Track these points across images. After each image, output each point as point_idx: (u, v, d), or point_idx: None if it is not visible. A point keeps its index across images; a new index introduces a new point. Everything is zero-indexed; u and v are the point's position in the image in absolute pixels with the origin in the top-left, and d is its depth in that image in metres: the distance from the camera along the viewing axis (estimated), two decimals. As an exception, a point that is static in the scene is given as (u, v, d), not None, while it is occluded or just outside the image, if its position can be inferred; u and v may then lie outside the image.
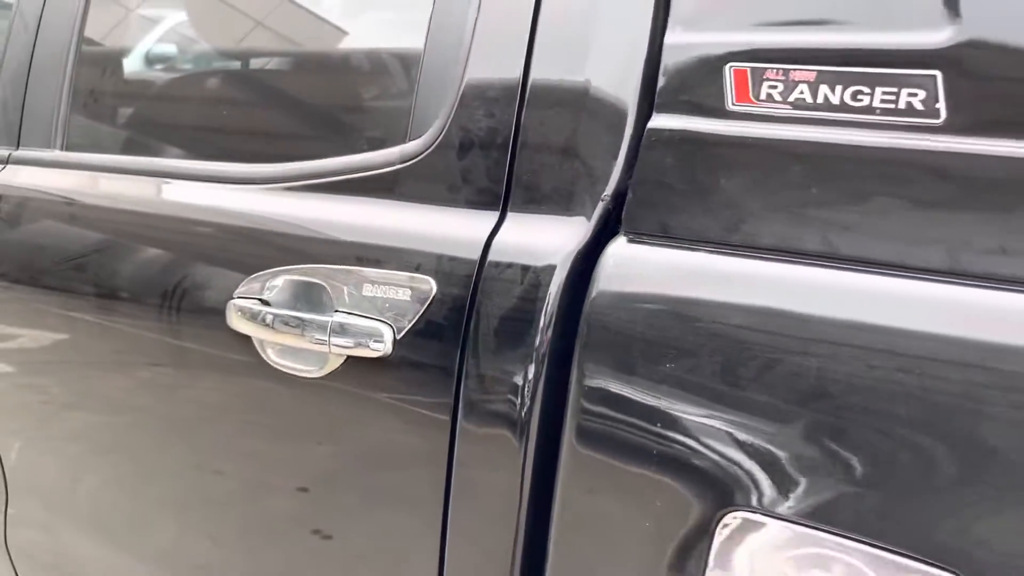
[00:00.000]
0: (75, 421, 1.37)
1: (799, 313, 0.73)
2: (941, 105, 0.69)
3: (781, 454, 0.72)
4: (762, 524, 0.73)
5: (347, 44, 1.22)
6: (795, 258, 0.75)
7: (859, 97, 0.73)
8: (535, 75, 0.91)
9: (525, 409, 0.86)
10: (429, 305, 0.91)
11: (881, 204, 0.72)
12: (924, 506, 0.66)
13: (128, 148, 1.42)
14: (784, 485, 0.72)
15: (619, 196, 0.85)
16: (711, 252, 0.79)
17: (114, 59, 1.47)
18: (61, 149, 1.41)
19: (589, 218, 0.86)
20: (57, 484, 1.43)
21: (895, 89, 0.71)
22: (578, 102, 0.88)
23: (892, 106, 0.71)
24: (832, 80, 0.74)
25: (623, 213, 0.84)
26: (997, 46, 0.68)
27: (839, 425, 0.70)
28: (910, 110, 0.70)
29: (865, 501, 0.69)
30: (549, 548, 0.87)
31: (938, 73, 0.69)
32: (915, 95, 0.70)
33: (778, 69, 0.76)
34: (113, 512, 1.35)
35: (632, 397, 0.79)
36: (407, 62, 1.06)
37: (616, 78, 0.86)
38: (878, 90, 0.72)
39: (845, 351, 0.70)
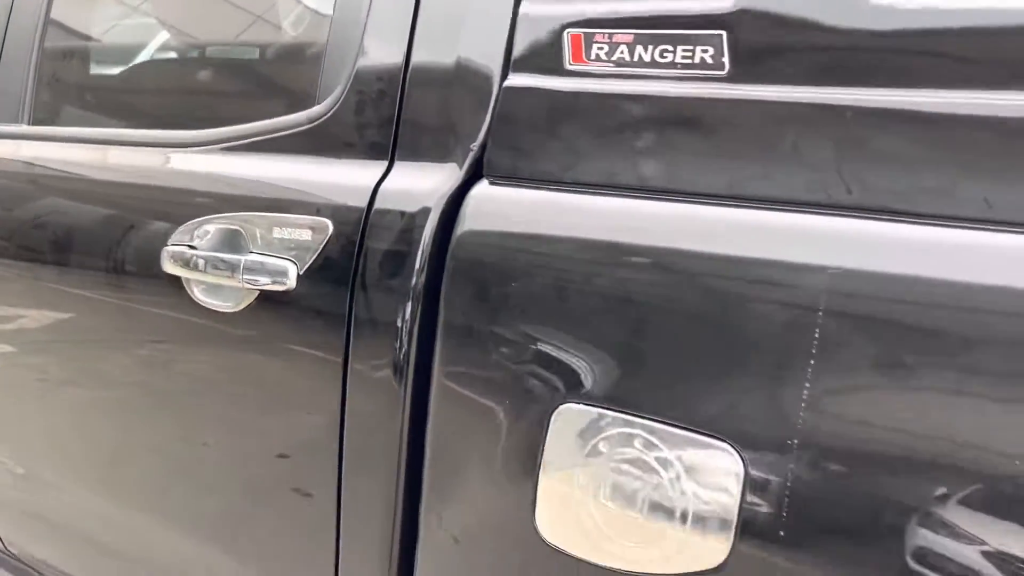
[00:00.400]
0: (33, 361, 1.51)
1: (611, 240, 0.86)
2: (726, 59, 0.83)
3: (600, 357, 0.86)
4: (585, 413, 0.86)
5: (266, 29, 1.37)
6: (616, 192, 0.89)
7: (665, 54, 0.86)
8: (417, 49, 1.05)
9: (404, 344, 0.99)
10: (326, 244, 1.05)
11: (681, 142, 0.86)
12: (701, 390, 0.80)
13: (85, 121, 1.56)
14: (602, 381, 0.85)
15: (485, 146, 0.99)
16: (552, 190, 0.92)
17: (75, 43, 1.62)
18: (28, 124, 1.55)
19: (460, 166, 1.00)
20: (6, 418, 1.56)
21: (691, 47, 0.85)
22: (452, 70, 1.02)
23: (689, 61, 0.85)
24: (645, 41, 0.87)
25: (484, 159, 0.98)
26: (768, 10, 0.82)
27: (642, 329, 0.83)
28: (703, 64, 0.84)
29: (660, 388, 0.82)
30: (425, 465, 1.00)
31: (723, 32, 0.83)
32: (706, 51, 0.84)
33: (604, 33, 0.90)
34: (59, 439, 1.48)
35: (487, 321, 0.93)
36: (316, 42, 1.21)
37: (484, 48, 1.00)
38: (679, 48, 0.86)
39: (646, 271, 0.84)
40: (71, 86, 1.62)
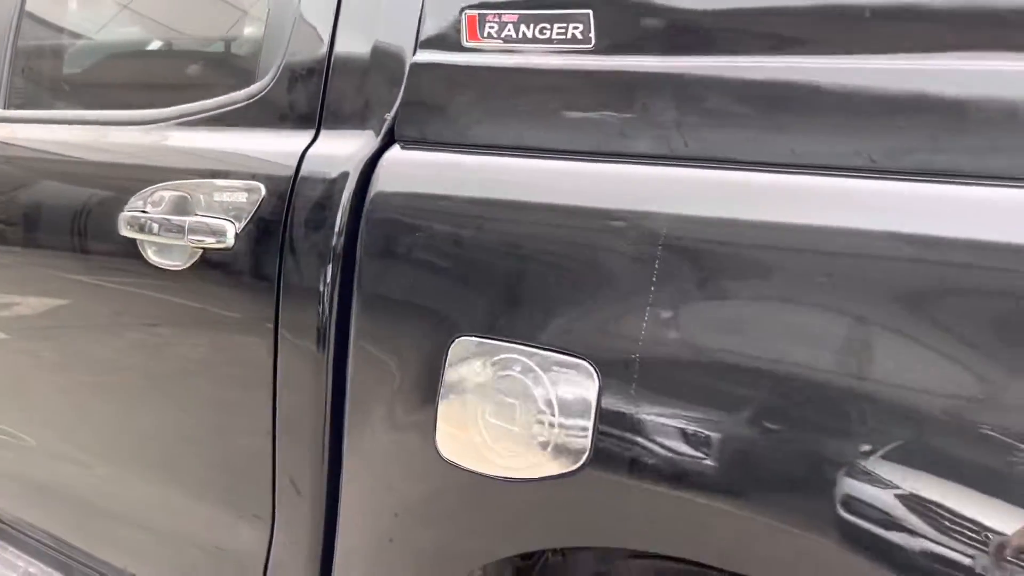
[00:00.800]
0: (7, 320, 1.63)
1: (494, 194, 0.99)
2: (592, 34, 0.96)
3: (489, 295, 0.99)
4: (475, 343, 0.98)
5: (209, 22, 1.51)
6: (501, 152, 1.01)
7: (544, 31, 0.99)
8: (340, 31, 1.19)
9: (326, 304, 1.11)
10: (260, 205, 1.18)
11: (558, 106, 0.99)
12: (567, 319, 0.92)
13: (54, 105, 1.69)
14: (490, 316, 0.98)
15: (397, 116, 1.12)
16: (452, 151, 1.05)
17: (46, 33, 1.75)
18: (4, 108, 1.68)
19: (377, 133, 1.13)
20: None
21: (565, 24, 0.98)
22: (371, 49, 1.15)
23: (564, 36, 0.98)
24: (528, 20, 1.00)
25: (395, 127, 1.11)
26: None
27: (524, 268, 0.96)
28: (574, 39, 0.97)
29: (535, 319, 0.94)
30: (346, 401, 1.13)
31: (590, 11, 0.96)
32: (577, 28, 0.97)
33: (495, 14, 1.03)
34: (30, 397, 1.61)
35: (395, 269, 1.05)
36: (256, 28, 1.34)
37: (398, 30, 1.13)
38: (555, 25, 0.98)
39: (524, 220, 0.97)
40: (43, 74, 1.75)
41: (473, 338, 0.99)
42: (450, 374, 1.01)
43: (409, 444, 1.06)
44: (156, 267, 1.28)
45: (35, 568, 1.84)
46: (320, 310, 1.11)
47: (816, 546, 0.79)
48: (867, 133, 0.80)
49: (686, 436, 0.84)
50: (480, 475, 0.98)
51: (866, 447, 0.76)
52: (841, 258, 0.79)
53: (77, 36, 1.71)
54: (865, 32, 0.82)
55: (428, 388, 1.02)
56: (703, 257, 0.86)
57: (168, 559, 1.49)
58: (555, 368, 0.92)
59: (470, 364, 0.99)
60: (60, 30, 1.75)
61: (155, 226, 1.26)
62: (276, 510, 1.27)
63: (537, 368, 0.93)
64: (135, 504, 1.50)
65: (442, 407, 1.01)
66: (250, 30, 1.38)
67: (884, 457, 0.76)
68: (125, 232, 1.30)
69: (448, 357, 1.01)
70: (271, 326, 1.17)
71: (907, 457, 0.75)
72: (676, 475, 0.85)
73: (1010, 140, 0.74)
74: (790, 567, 0.83)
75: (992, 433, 0.71)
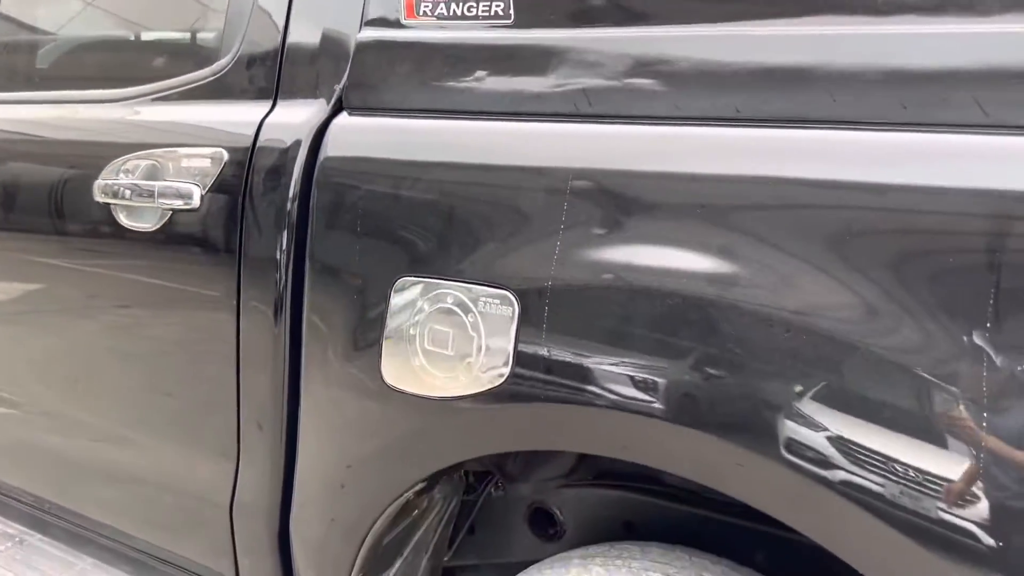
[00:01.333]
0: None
1: (430, 154, 1.14)
2: (512, 10, 1.10)
3: (425, 239, 1.13)
4: (415, 281, 1.12)
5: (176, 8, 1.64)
6: (436, 115, 1.16)
7: (471, 8, 1.14)
8: (295, 15, 1.32)
9: (283, 256, 1.24)
10: (223, 168, 1.31)
11: (481, 74, 1.13)
12: (492, 256, 1.07)
13: (28, 86, 1.81)
14: (426, 258, 1.12)
15: (346, 86, 1.25)
16: (393, 116, 1.19)
17: (13, 20, 1.87)
18: (-19, 91, 1.79)
19: (329, 102, 1.26)
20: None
21: (489, 1, 1.12)
22: (322, 27, 1.29)
23: (488, 12, 1.12)
24: (457, -1, 1.15)
25: (344, 96, 1.24)
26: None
27: (451, 215, 1.10)
28: (496, 15, 1.12)
29: (464, 258, 1.09)
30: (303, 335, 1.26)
31: (508, -11, 1.10)
32: (499, 5, 1.11)
33: (428, -7, 1.17)
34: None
35: (344, 221, 1.19)
36: (219, 9, 1.47)
37: (346, 10, 1.27)
38: (480, 3, 1.13)
39: (456, 174, 1.11)
40: (19, 58, 1.87)
41: (413, 278, 1.13)
42: (394, 310, 1.14)
43: (359, 375, 1.20)
44: (128, 229, 1.40)
45: (12, 529, 1.95)
46: (278, 261, 1.25)
47: (705, 444, 0.93)
48: (731, 89, 0.95)
49: (591, 351, 0.99)
50: (421, 396, 1.12)
51: (738, 353, 0.91)
52: (716, 194, 0.94)
53: (48, 32, 1.84)
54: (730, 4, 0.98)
55: (375, 325, 1.16)
56: (605, 200, 1.00)
57: (140, 507, 1.61)
58: (483, 298, 1.06)
59: (411, 300, 1.13)
60: (33, 27, 1.87)
61: (127, 191, 1.39)
62: (241, 449, 1.40)
63: (466, 298, 1.08)
64: (108, 457, 1.62)
65: (387, 340, 1.15)
66: (213, 12, 1.51)
67: (761, 365, 0.91)
68: (99, 198, 1.43)
69: (392, 296, 1.14)
70: (235, 277, 1.30)
71: (783, 362, 0.90)
72: (583, 383, 1.00)
73: (841, 93, 0.89)
74: (673, 456, 0.98)
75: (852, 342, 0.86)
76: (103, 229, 1.44)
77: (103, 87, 1.57)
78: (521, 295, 1.03)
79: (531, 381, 1.02)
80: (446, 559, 1.43)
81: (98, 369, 1.57)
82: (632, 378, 0.96)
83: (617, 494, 1.32)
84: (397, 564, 1.35)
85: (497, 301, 1.05)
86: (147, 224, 1.38)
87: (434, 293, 1.10)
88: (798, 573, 1.13)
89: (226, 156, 1.30)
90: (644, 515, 1.29)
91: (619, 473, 1.33)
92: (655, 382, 0.94)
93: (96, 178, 1.44)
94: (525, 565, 1.25)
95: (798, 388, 0.87)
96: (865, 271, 0.85)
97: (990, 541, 0.79)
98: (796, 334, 0.87)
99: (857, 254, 0.85)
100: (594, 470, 1.35)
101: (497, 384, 1.05)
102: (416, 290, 1.12)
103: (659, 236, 0.96)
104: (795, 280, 0.88)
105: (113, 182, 1.41)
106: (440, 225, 1.11)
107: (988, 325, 0.78)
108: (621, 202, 0.99)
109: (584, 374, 0.99)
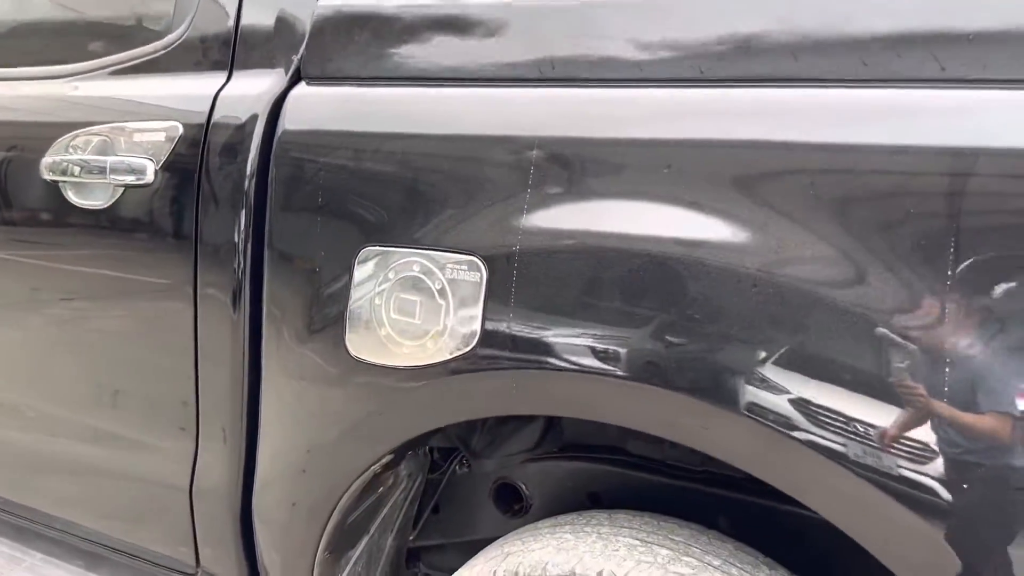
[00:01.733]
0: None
1: (390, 121, 1.13)
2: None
3: (388, 207, 1.11)
4: (379, 251, 1.11)
5: None
6: (394, 83, 1.15)
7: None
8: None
9: (241, 229, 1.22)
10: (177, 142, 1.28)
11: (441, 40, 1.13)
12: (459, 223, 1.06)
13: None
14: (391, 226, 1.11)
15: (303, 56, 1.24)
16: (351, 86, 1.18)
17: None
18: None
19: (286, 72, 1.24)
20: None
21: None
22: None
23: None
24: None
25: (302, 65, 1.23)
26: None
27: (415, 183, 1.09)
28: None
29: (430, 225, 1.08)
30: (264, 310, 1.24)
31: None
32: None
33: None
34: None
35: (303, 192, 1.17)
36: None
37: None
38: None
39: (417, 142, 1.11)
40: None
41: (377, 247, 1.11)
42: (358, 282, 1.13)
43: (322, 350, 1.18)
44: (79, 208, 1.36)
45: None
46: (236, 235, 1.22)
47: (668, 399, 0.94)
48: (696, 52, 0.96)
49: (562, 313, 0.99)
50: (388, 367, 1.11)
51: (706, 312, 0.92)
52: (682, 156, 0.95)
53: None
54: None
55: (338, 298, 1.15)
56: (571, 163, 1.00)
57: (95, 497, 1.57)
58: (450, 265, 1.05)
59: (375, 271, 1.12)
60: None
61: (77, 168, 1.34)
62: (200, 435, 1.37)
63: (434, 267, 1.07)
64: (58, 447, 1.57)
65: (351, 313, 1.13)
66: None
67: (727, 323, 0.92)
68: (47, 176, 1.38)
69: (355, 268, 1.13)
70: (191, 251, 1.27)
71: (749, 320, 0.91)
72: (554, 346, 1.00)
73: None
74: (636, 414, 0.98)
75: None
76: (51, 209, 1.40)
77: (51, 63, 1.52)
78: (489, 260, 1.03)
79: (501, 345, 1.02)
80: (411, 539, 1.42)
81: (49, 354, 1.52)
82: (604, 339, 0.96)
83: (582, 465, 1.32)
84: (362, 543, 1.33)
85: (464, 267, 1.04)
86: (98, 202, 1.34)
87: (399, 262, 1.09)
88: (758, 536, 1.15)
89: (181, 130, 1.27)
90: (609, 485, 1.30)
91: (584, 445, 1.34)
92: (627, 342, 0.95)
93: (43, 156, 1.39)
94: (491, 543, 1.24)
95: (763, 347, 0.88)
96: (824, 228, 0.86)
97: (942, 491, 0.82)
98: (762, 292, 0.88)
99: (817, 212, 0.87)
100: (559, 442, 1.35)
101: (467, 349, 1.04)
102: (380, 260, 1.11)
103: (626, 196, 0.97)
104: (764, 239, 0.89)
105: (62, 159, 1.36)
106: (403, 193, 1.10)
107: (947, 283, 0.80)
108: (587, 165, 0.99)
109: (556, 337, 0.99)
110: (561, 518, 1.20)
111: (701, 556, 1.08)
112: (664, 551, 1.07)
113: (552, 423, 1.33)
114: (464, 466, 1.41)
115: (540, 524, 1.20)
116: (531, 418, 1.30)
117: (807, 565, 1.10)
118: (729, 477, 1.23)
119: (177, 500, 1.41)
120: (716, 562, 1.07)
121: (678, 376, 0.92)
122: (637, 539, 1.10)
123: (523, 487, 1.36)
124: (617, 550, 1.07)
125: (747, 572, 1.06)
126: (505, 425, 1.32)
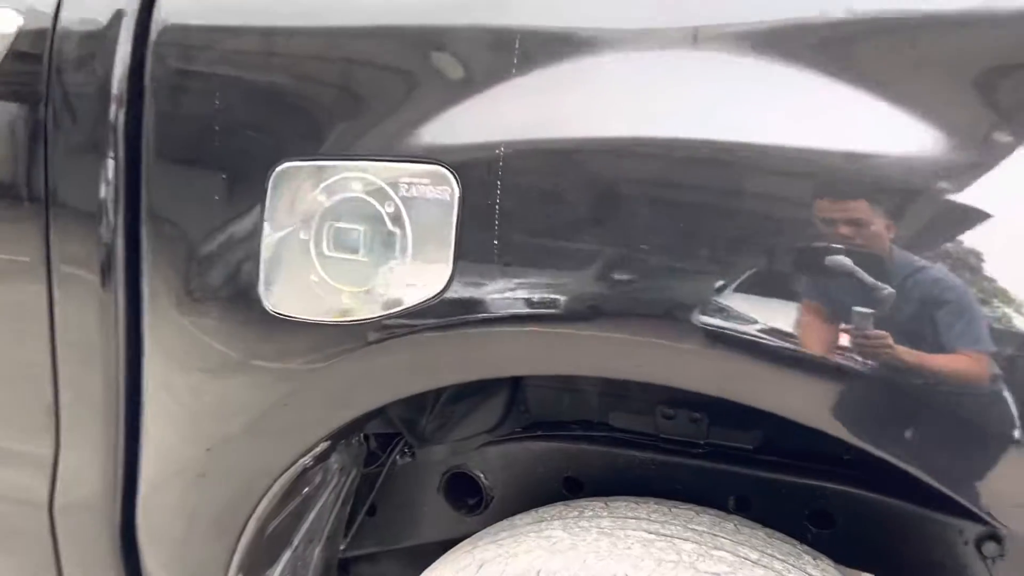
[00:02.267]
0: None
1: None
2: None
3: (322, 105, 0.84)
4: (303, 167, 0.83)
5: None
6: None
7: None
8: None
9: (108, 154, 0.91)
10: (16, 39, 0.95)
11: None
12: (412, 125, 0.79)
13: None
14: (316, 136, 0.83)
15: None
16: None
17: None
18: None
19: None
20: None
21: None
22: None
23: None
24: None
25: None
26: None
27: (353, 73, 0.83)
28: None
29: (373, 130, 0.81)
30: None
31: None
32: None
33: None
34: None
35: (194, 98, 0.88)
36: None
37: None
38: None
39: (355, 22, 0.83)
40: None
41: (300, 162, 0.83)
42: (273, 211, 0.84)
43: (228, 308, 0.89)
44: None
45: None
46: (104, 159, 0.91)
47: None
48: None
49: (566, 240, 0.74)
50: (321, 323, 0.83)
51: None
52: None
53: None
54: None
55: (247, 236, 0.86)
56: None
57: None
58: (406, 180, 0.78)
59: (299, 193, 0.83)
60: None
61: None
62: (61, 439, 1.06)
63: (384, 183, 0.79)
64: None
65: (265, 252, 0.85)
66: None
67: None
68: None
69: (269, 190, 0.84)
70: (41, 204, 0.96)
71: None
72: (554, 288, 0.75)
73: None
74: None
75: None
76: None
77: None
78: (461, 170, 0.76)
79: (482, 287, 0.76)
80: (342, 548, 1.15)
81: None
82: (637, 276, 0.71)
83: (556, 445, 1.08)
84: (284, 558, 1.06)
85: (427, 181, 0.77)
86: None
87: (334, 179, 0.81)
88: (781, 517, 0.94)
89: (20, 20, 0.95)
90: (591, 467, 1.07)
91: (555, 422, 1.10)
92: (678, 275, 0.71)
93: None
94: (440, 547, 0.99)
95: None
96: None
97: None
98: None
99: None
100: (524, 420, 1.10)
101: (432, 296, 0.77)
102: (306, 179, 0.83)
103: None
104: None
105: None
106: (336, 88, 0.82)
107: None
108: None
109: (561, 276, 0.73)
110: (544, 511, 0.95)
111: (734, 549, 0.86)
112: (688, 545, 0.85)
113: (515, 397, 1.08)
114: (407, 455, 1.15)
115: (518, 521, 0.95)
116: (490, 393, 1.06)
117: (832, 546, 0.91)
118: (738, 450, 1.02)
119: (33, 519, 1.10)
120: (753, 555, 0.85)
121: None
122: (650, 532, 0.87)
123: (481, 476, 1.11)
124: (629, 548, 0.83)
125: (791, 565, 0.85)
126: (459, 403, 1.06)
